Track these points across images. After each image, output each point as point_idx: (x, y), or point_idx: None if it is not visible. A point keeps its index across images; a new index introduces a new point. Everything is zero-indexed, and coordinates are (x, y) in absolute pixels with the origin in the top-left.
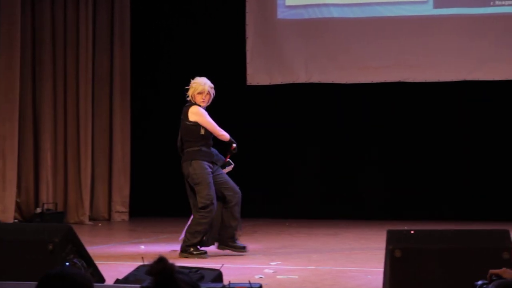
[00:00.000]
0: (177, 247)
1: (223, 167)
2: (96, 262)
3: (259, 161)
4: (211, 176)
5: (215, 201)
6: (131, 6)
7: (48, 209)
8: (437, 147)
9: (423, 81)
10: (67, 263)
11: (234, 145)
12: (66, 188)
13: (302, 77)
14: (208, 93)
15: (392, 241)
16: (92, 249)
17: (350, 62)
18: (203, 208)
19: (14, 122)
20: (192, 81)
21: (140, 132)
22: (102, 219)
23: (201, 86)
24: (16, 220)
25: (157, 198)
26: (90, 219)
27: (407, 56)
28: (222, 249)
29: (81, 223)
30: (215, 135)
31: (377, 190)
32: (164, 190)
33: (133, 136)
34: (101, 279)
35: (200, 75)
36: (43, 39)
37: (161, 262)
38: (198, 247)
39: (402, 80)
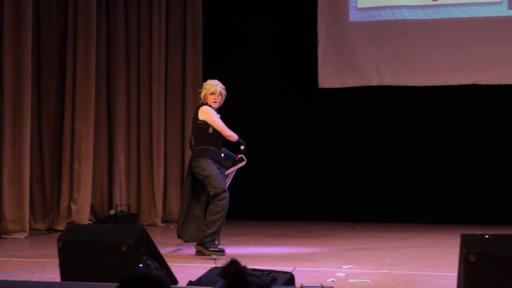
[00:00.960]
0: (248, 249)
1: (235, 164)
2: (169, 263)
3: (331, 164)
4: (217, 168)
5: (227, 190)
6: (203, 9)
7: (121, 211)
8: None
9: (497, 83)
10: (141, 265)
11: (243, 146)
12: (139, 190)
13: (374, 80)
14: (220, 93)
15: (466, 245)
16: (165, 251)
17: (423, 65)
18: (215, 196)
19: (90, 124)
20: (204, 83)
21: None
22: (174, 221)
23: (213, 87)
24: (90, 222)
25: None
26: (163, 221)
27: (480, 58)
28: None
29: (154, 224)
30: (223, 135)
31: (450, 193)
32: (234, 192)
33: None
34: (174, 281)
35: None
36: (117, 42)
37: (233, 264)
38: (217, 244)
39: (475, 83)
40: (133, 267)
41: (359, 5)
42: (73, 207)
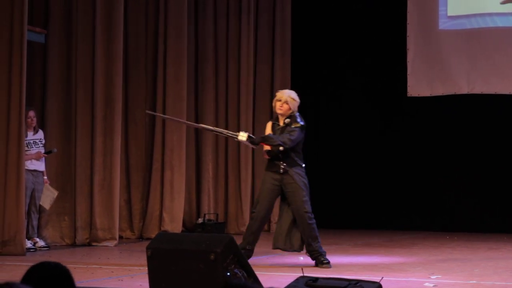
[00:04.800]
0: (336, 259)
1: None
2: (256, 272)
3: (419, 173)
4: (266, 186)
5: (258, 214)
6: (292, 16)
7: (209, 220)
8: None
9: None
10: (228, 273)
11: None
12: (227, 199)
13: (464, 88)
14: (286, 102)
15: None
16: (252, 260)
17: None
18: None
19: (181, 133)
20: (278, 91)
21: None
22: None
23: (280, 94)
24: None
25: (319, 209)
26: None
27: None
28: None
29: (241, 233)
30: None
31: None
32: (322, 201)
33: None
34: None
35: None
36: (206, 51)
37: None
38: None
39: None
40: (220, 276)
41: (449, 13)
42: (165, 215)
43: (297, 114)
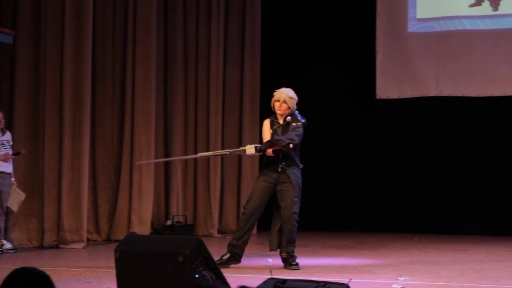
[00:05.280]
0: (304, 260)
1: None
2: (225, 274)
3: (387, 175)
4: (260, 184)
5: (249, 210)
6: (262, 19)
7: (178, 222)
8: None
9: None
10: (197, 275)
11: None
12: (196, 201)
13: (432, 91)
14: (285, 101)
15: None
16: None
17: (482, 75)
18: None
19: (150, 135)
20: (276, 90)
21: None
22: (230, 232)
23: (278, 94)
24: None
25: None
26: (219, 231)
27: None
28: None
29: (210, 235)
30: None
31: (509, 205)
32: None
33: None
34: None
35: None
36: (175, 53)
37: None
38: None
39: None
40: (189, 278)
41: (418, 16)
42: (134, 217)
43: (296, 112)
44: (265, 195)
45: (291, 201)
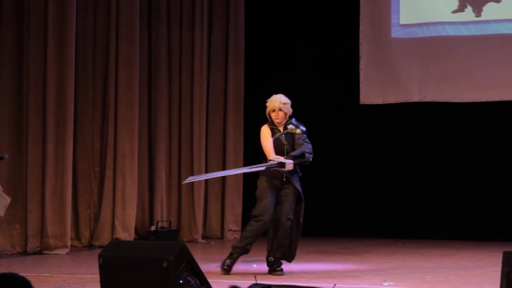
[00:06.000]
0: (288, 266)
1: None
2: (209, 280)
3: (372, 181)
4: (270, 191)
5: (267, 216)
6: (245, 25)
7: (162, 227)
8: None
9: None
10: (181, 281)
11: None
12: (180, 207)
13: (416, 96)
14: (280, 109)
15: (509, 262)
16: (205, 267)
17: (465, 81)
18: (253, 216)
19: (133, 141)
20: (267, 100)
21: (253, 149)
22: (214, 238)
23: (272, 104)
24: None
25: None
26: (203, 237)
27: None
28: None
29: (194, 241)
30: (267, 157)
31: (492, 210)
32: None
33: (246, 153)
34: None
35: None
36: (159, 58)
37: None
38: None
39: None
40: (173, 283)
41: (402, 22)
42: (117, 223)
43: (293, 120)
44: (274, 198)
45: (289, 208)
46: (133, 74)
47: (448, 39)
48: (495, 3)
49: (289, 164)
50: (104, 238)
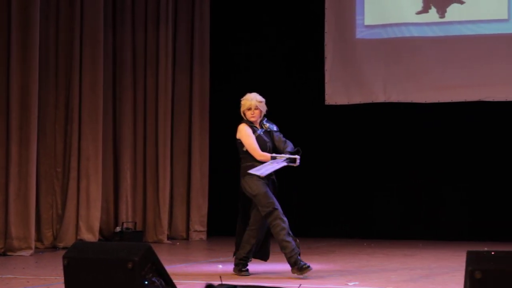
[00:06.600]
0: (253, 267)
1: (291, 161)
2: (175, 281)
3: (336, 181)
4: (266, 185)
5: (276, 204)
6: (210, 26)
7: (127, 228)
8: None
9: (504, 100)
10: (146, 282)
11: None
12: (145, 208)
13: (380, 97)
14: (257, 108)
15: (472, 262)
16: (171, 268)
17: (429, 82)
18: (267, 216)
19: (97, 142)
20: (242, 99)
21: (218, 151)
22: (180, 238)
23: (248, 102)
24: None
25: (235, 217)
26: (169, 238)
27: (487, 75)
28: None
29: (159, 242)
30: (254, 155)
31: (456, 210)
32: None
33: (211, 155)
34: None
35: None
36: (124, 60)
37: None
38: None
39: (482, 99)
40: (138, 285)
41: (366, 23)
42: (82, 224)
43: (265, 119)
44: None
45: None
46: (98, 76)
47: (412, 40)
48: (459, 5)
49: (298, 159)
50: (69, 239)
